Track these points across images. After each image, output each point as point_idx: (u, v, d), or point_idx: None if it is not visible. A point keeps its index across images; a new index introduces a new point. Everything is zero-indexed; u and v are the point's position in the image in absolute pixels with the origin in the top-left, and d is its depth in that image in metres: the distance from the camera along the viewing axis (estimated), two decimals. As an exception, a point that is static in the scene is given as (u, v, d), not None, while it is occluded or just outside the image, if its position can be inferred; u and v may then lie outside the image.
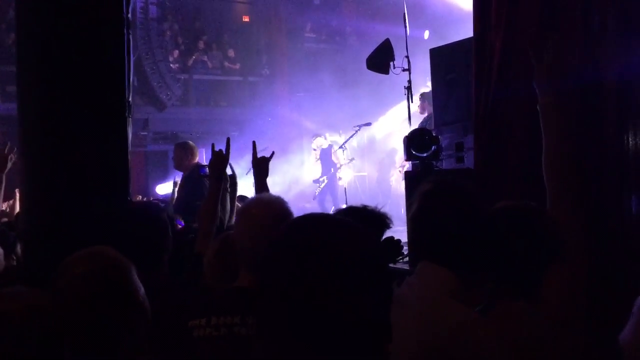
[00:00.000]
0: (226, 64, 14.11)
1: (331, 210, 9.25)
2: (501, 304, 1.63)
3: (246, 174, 10.21)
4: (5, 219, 4.55)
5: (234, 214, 3.18)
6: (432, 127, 5.56)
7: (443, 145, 4.84)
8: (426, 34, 9.54)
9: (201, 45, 13.92)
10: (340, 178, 10.41)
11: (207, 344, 1.86)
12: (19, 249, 3.15)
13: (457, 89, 5.05)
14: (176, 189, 5.95)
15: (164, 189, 8.55)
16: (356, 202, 2.25)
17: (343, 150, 9.14)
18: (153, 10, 12.79)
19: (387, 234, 2.26)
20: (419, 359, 1.48)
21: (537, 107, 2.25)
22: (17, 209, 4.73)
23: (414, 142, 4.70)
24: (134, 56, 2.79)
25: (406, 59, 5.94)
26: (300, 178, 11.73)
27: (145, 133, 12.72)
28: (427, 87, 7.07)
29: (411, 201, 1.71)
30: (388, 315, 1.01)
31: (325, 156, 10.53)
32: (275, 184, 11.06)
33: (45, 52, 2.56)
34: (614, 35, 3.25)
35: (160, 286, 2.25)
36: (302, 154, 12.27)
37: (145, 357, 1.63)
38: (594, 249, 2.73)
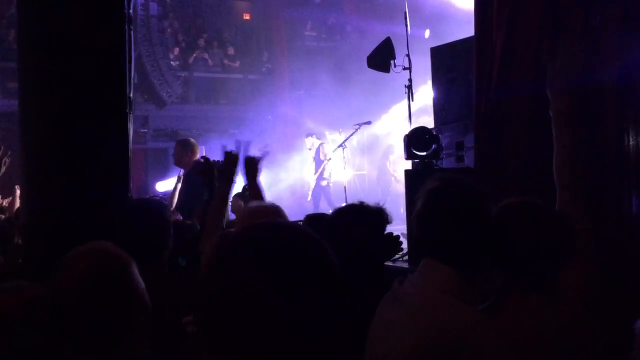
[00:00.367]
0: (226, 61, 14.10)
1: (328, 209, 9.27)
2: (514, 298, 1.66)
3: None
4: (2, 216, 4.54)
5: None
6: None
7: (443, 144, 4.85)
8: (427, 33, 9.53)
9: (202, 42, 13.91)
10: (325, 178, 10.36)
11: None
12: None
13: (457, 88, 5.05)
14: (179, 184, 5.96)
15: (164, 186, 8.54)
16: (355, 200, 2.25)
17: (343, 148, 9.13)
18: (154, 7, 12.78)
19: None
20: (419, 356, 1.48)
21: (550, 112, 2.27)
22: (17, 205, 4.72)
23: (414, 141, 4.70)
24: (134, 52, 2.78)
25: (407, 58, 5.94)
26: (300, 176, 11.73)
27: (145, 130, 12.71)
28: (428, 85, 7.07)
29: (416, 198, 1.70)
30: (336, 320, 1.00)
31: (316, 156, 10.54)
32: (281, 181, 11.10)
33: (46, 48, 2.56)
34: (614, 35, 3.25)
35: (160, 282, 2.26)
36: (302, 153, 12.27)
37: (145, 352, 1.63)
38: (601, 247, 2.74)
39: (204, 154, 3.01)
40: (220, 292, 0.94)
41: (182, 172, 5.84)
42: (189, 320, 1.93)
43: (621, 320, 1.62)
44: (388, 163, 11.53)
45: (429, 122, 6.72)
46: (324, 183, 10.35)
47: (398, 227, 2.32)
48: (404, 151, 4.81)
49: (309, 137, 10.81)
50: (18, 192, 4.70)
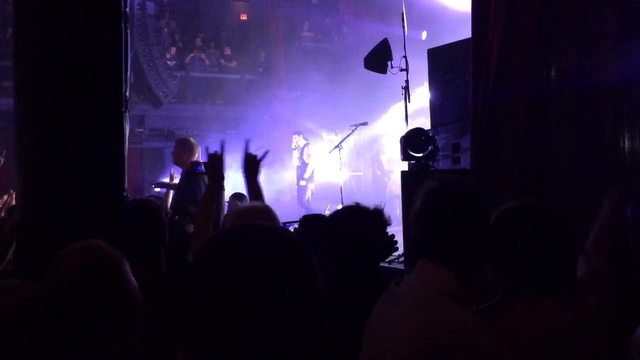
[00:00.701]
0: (223, 61, 14.09)
1: (326, 209, 9.26)
2: (520, 300, 1.65)
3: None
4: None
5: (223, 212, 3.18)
6: None
7: (439, 146, 4.85)
8: (424, 35, 9.55)
9: (198, 42, 13.89)
10: (304, 179, 10.26)
11: None
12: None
13: (454, 90, 5.06)
14: (173, 181, 5.97)
15: (160, 185, 8.52)
16: (351, 201, 2.25)
17: (339, 149, 9.13)
18: (151, 6, 12.75)
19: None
20: (415, 356, 1.48)
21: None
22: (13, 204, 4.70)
23: (411, 142, 4.70)
24: (131, 51, 2.77)
25: (404, 59, 5.94)
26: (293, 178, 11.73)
27: (141, 130, 12.69)
28: (424, 87, 7.08)
29: (414, 198, 1.69)
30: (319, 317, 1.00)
31: (300, 156, 10.52)
32: (277, 182, 11.08)
33: (42, 47, 2.55)
34: (612, 38, 3.26)
35: (157, 281, 2.26)
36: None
37: (137, 350, 1.63)
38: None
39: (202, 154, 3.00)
40: (200, 292, 0.95)
41: (172, 170, 5.86)
42: None
43: (628, 327, 1.63)
44: (379, 163, 11.56)
45: (425, 123, 6.74)
46: (302, 183, 10.29)
47: (394, 228, 2.32)
48: (401, 152, 4.82)
49: (296, 136, 10.76)
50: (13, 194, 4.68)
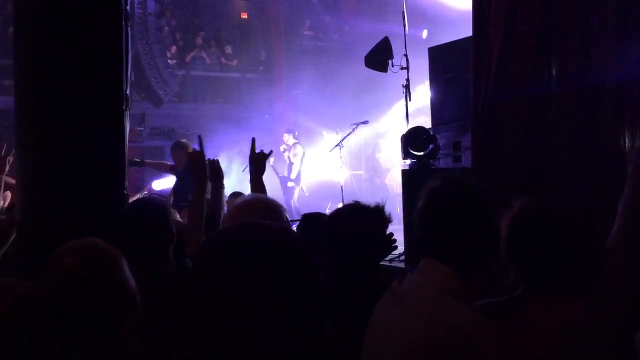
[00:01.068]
0: (224, 60, 14.09)
1: (327, 208, 9.26)
2: (537, 298, 1.66)
3: (242, 171, 10.22)
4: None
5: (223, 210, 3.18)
6: None
7: (440, 144, 4.85)
8: (425, 33, 9.54)
9: (199, 41, 13.89)
10: (291, 179, 10.14)
11: None
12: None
13: (455, 88, 5.06)
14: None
15: (160, 184, 8.54)
16: (351, 200, 2.24)
17: (340, 148, 9.12)
18: (151, 5, 12.75)
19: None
20: (417, 355, 1.48)
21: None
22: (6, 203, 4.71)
23: (412, 141, 4.70)
24: (131, 50, 2.77)
25: (404, 58, 5.94)
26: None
27: (142, 128, 12.69)
28: (425, 85, 7.07)
29: (417, 197, 1.68)
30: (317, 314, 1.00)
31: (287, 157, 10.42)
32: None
33: (43, 45, 2.55)
34: (613, 36, 3.26)
35: (165, 277, 2.26)
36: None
37: (136, 348, 1.62)
38: None
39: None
40: (200, 292, 0.94)
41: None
42: None
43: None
44: (377, 162, 11.54)
45: (426, 122, 6.73)
46: (290, 184, 10.17)
47: (395, 226, 2.32)
48: (401, 151, 4.82)
49: (286, 135, 10.63)
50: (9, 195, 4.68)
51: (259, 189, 2.86)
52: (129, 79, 2.70)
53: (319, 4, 14.20)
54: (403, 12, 6.50)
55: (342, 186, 9.02)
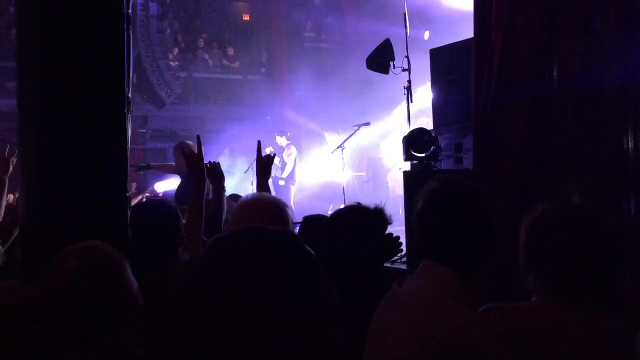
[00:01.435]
0: (226, 62, 14.11)
1: (329, 210, 9.26)
2: (560, 304, 1.59)
3: (244, 172, 10.24)
4: None
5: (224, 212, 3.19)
6: None
7: (442, 146, 4.85)
8: (426, 35, 9.54)
9: (201, 43, 13.92)
10: (282, 178, 10.03)
11: None
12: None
13: (456, 90, 5.06)
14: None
15: (163, 186, 8.56)
16: (353, 201, 2.24)
17: (342, 149, 9.12)
18: (153, 7, 12.78)
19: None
20: (417, 357, 1.48)
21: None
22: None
23: (413, 142, 4.70)
24: (134, 53, 2.78)
25: (406, 59, 5.94)
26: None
27: (144, 130, 12.72)
28: (427, 87, 7.08)
29: (416, 199, 1.68)
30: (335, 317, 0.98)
31: (280, 156, 10.37)
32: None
33: (45, 48, 2.56)
34: (614, 37, 3.25)
35: (175, 277, 2.27)
36: (300, 154, 12.27)
37: (138, 350, 1.63)
38: None
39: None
40: (210, 299, 0.92)
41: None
42: None
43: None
44: (379, 163, 11.53)
45: (427, 123, 6.73)
46: (281, 183, 10.09)
47: (397, 228, 2.32)
48: (403, 152, 4.82)
49: (278, 137, 10.57)
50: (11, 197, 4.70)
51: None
52: (131, 82, 2.71)
53: (321, 5, 14.21)
54: (404, 13, 6.50)
55: (344, 188, 9.02)
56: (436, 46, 5.60)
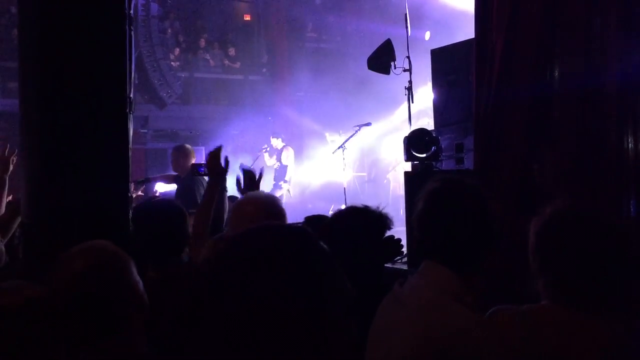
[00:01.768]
0: (227, 62, 14.12)
1: (330, 209, 9.26)
2: (568, 311, 1.56)
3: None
4: None
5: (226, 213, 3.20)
6: None
7: (443, 146, 4.85)
8: (427, 35, 9.53)
9: (202, 43, 13.92)
10: (287, 181, 9.95)
11: None
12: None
13: (457, 90, 5.06)
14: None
15: (164, 187, 8.56)
16: (355, 202, 2.25)
17: (343, 150, 9.12)
18: (154, 7, 12.80)
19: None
20: (417, 357, 1.48)
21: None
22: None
23: (414, 143, 4.70)
24: (135, 53, 2.79)
25: (407, 60, 5.94)
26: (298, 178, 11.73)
27: (145, 131, 12.72)
28: (428, 87, 7.08)
29: (417, 199, 1.68)
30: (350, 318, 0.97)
31: (278, 159, 10.25)
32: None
33: (47, 48, 2.56)
34: (614, 37, 3.26)
35: (182, 278, 2.27)
36: (301, 154, 12.27)
37: (143, 350, 1.63)
38: None
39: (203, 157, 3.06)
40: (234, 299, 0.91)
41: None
42: None
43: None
44: (379, 164, 11.53)
45: (428, 124, 6.73)
46: (285, 186, 9.99)
47: (398, 229, 2.32)
48: (404, 153, 4.82)
49: (274, 139, 10.42)
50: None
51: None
52: (132, 83, 2.72)
53: (322, 5, 14.21)
54: (405, 14, 6.50)
55: (344, 188, 9.02)
56: (437, 46, 5.61)
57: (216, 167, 3.02)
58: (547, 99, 3.45)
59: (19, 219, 2.87)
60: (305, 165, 11.87)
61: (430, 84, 5.87)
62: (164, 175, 6.92)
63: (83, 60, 2.55)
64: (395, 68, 6.00)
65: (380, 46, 6.16)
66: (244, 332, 0.89)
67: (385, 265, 2.29)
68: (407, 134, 4.88)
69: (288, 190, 10.05)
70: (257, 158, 10.25)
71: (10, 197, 4.71)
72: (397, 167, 10.82)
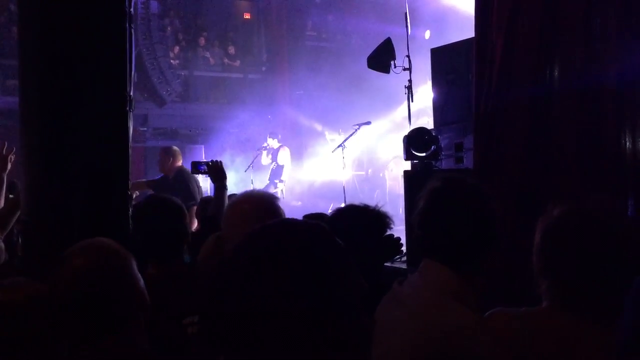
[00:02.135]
0: (226, 60, 14.11)
1: (329, 208, 9.26)
2: (569, 314, 1.52)
3: (245, 171, 10.24)
4: None
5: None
6: None
7: (442, 145, 4.85)
8: (427, 34, 9.54)
9: (202, 41, 13.91)
10: (283, 181, 9.95)
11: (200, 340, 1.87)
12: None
13: (457, 89, 5.06)
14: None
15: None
16: (354, 201, 2.24)
17: (342, 148, 9.12)
18: (154, 5, 12.78)
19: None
20: (417, 357, 1.48)
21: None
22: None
23: (414, 142, 4.71)
24: (134, 50, 2.78)
25: (407, 58, 5.94)
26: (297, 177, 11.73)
27: (145, 129, 12.71)
28: (427, 86, 7.09)
29: (417, 198, 1.67)
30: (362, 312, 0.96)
31: (274, 159, 10.22)
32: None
33: (47, 45, 2.56)
34: (614, 37, 3.26)
35: (182, 276, 2.28)
36: (300, 152, 12.27)
37: (144, 347, 1.63)
38: None
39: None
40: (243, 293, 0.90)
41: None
42: (192, 322, 1.94)
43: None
44: (380, 163, 11.53)
45: (428, 122, 6.73)
46: (280, 186, 9.99)
47: (397, 227, 2.32)
48: (404, 152, 4.82)
49: (270, 138, 10.39)
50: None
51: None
52: (132, 81, 2.72)
53: (322, 4, 14.20)
54: (405, 13, 6.50)
55: (344, 187, 9.02)
56: (437, 46, 5.61)
57: (219, 173, 3.50)
58: (547, 99, 3.46)
59: (18, 213, 2.86)
60: (304, 164, 11.87)
61: (430, 83, 5.87)
62: (137, 183, 6.62)
63: (83, 58, 2.55)
64: (395, 67, 6.01)
65: (380, 45, 6.16)
66: (244, 332, 0.88)
67: (385, 264, 2.29)
68: (406, 133, 4.88)
69: (282, 191, 10.05)
70: (256, 156, 10.25)
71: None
72: (390, 164, 10.83)
